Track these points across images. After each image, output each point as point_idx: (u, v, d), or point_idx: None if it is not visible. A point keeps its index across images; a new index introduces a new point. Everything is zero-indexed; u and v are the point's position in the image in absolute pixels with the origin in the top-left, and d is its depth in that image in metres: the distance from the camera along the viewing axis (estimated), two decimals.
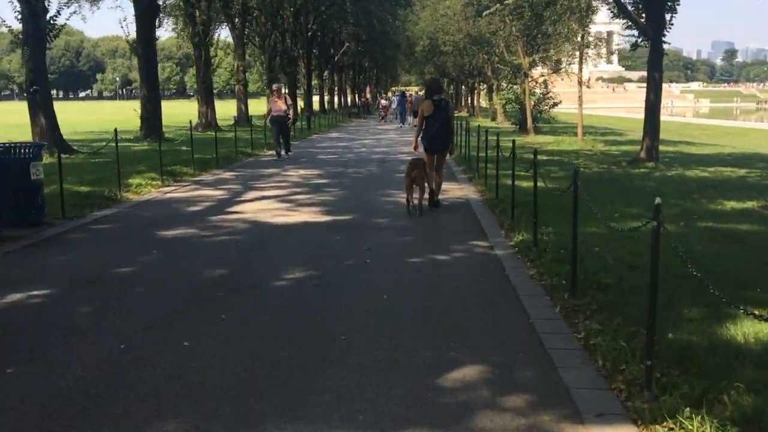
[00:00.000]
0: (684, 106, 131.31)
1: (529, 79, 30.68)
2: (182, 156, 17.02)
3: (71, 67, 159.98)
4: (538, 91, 33.91)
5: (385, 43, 65.77)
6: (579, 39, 23.04)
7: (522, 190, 11.87)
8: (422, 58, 69.97)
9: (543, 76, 34.34)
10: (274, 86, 18.08)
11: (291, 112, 17.94)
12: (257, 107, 56.35)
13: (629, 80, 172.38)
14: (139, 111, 23.00)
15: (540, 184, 10.84)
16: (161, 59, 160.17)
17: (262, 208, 9.93)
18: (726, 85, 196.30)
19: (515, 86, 35.29)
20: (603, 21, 32.55)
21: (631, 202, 10.52)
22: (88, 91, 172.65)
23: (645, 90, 16.42)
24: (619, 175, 14.64)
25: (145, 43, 22.48)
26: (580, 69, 23.00)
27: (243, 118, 35.68)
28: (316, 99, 65.77)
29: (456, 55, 54.07)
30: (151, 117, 22.66)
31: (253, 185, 12.53)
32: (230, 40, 45.46)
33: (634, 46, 16.17)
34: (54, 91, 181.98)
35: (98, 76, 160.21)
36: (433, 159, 10.17)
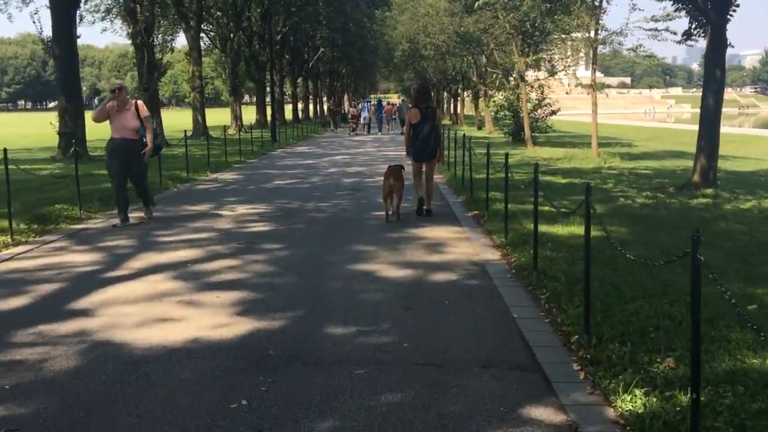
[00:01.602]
0: (665, 112, 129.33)
1: (525, 83, 26.80)
2: (89, 185, 12.85)
3: (38, 77, 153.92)
4: (533, 96, 30.04)
5: (362, 48, 61.78)
6: (591, 34, 19.14)
7: (560, 240, 7.85)
8: (402, 64, 66.09)
9: (539, 80, 30.50)
10: (115, 84, 9.48)
11: (148, 135, 9.19)
12: (221, 117, 51.69)
13: (609, 86, 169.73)
14: (57, 125, 18.67)
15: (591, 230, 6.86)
16: (131, 67, 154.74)
17: (136, 295, 5.76)
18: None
19: (508, 91, 31.40)
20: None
21: (750, 273, 6.50)
22: (56, 102, 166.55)
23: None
24: (680, 210, 10.65)
25: (63, 42, 18.21)
26: (594, 70, 19.10)
27: (200, 130, 31.41)
28: (290, 108, 61.56)
29: (438, 59, 50.28)
30: (71, 132, 18.36)
31: (156, 239, 8.32)
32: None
33: (687, 35, 12.24)
34: (22, 102, 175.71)
35: None
36: (421, 167, 9.95)
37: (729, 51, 12.10)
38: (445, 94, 68.10)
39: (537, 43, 25.61)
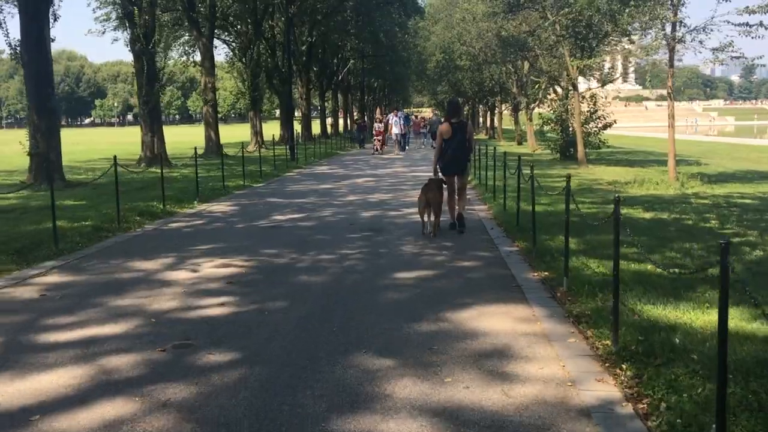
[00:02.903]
0: (707, 125, 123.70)
1: (578, 92, 23.40)
2: (33, 223, 9.95)
3: (71, 93, 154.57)
4: (585, 108, 26.56)
5: (394, 60, 58.66)
6: (668, 30, 15.70)
7: (705, 343, 4.48)
8: (435, 76, 62.92)
9: (590, 89, 27.03)
10: None
11: None
12: (245, 132, 48.74)
13: (647, 98, 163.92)
14: (27, 145, 15.83)
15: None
16: (164, 82, 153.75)
17: None
18: (743, 102, 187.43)
19: (555, 102, 27.96)
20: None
21: None
22: (92, 118, 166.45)
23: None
24: None
25: (32, 45, 15.40)
26: (671, 74, 15.62)
27: (213, 148, 28.57)
28: (325, 122, 58.66)
29: (474, 69, 47.00)
30: (43, 153, 15.50)
31: (31, 338, 5.13)
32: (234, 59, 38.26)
33: None
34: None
35: (97, 102, 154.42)
36: (453, 180, 9.67)
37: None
38: (481, 107, 64.66)
39: (592, 47, 22.15)
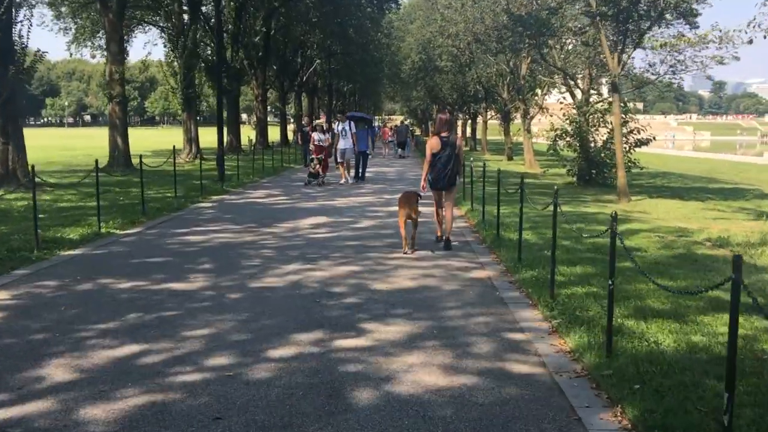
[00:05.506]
0: (684, 139, 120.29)
1: (618, 95, 16.98)
2: None
3: (23, 90, 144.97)
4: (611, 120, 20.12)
5: (366, 60, 51.86)
6: None
7: None
8: (410, 79, 56.39)
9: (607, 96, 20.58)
10: None
11: None
12: (162, 139, 41.46)
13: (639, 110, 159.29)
14: None
15: None
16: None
17: None
18: (714, 116, 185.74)
19: (573, 110, 21.52)
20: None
21: None
22: (48, 118, 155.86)
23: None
24: None
25: None
26: None
27: (120, 159, 21.50)
28: (285, 128, 51.55)
29: (455, 72, 40.63)
30: None
31: None
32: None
33: None
34: None
35: (48, 101, 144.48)
36: (441, 196, 9.47)
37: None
38: (461, 115, 58.27)
39: (642, 31, 15.72)
